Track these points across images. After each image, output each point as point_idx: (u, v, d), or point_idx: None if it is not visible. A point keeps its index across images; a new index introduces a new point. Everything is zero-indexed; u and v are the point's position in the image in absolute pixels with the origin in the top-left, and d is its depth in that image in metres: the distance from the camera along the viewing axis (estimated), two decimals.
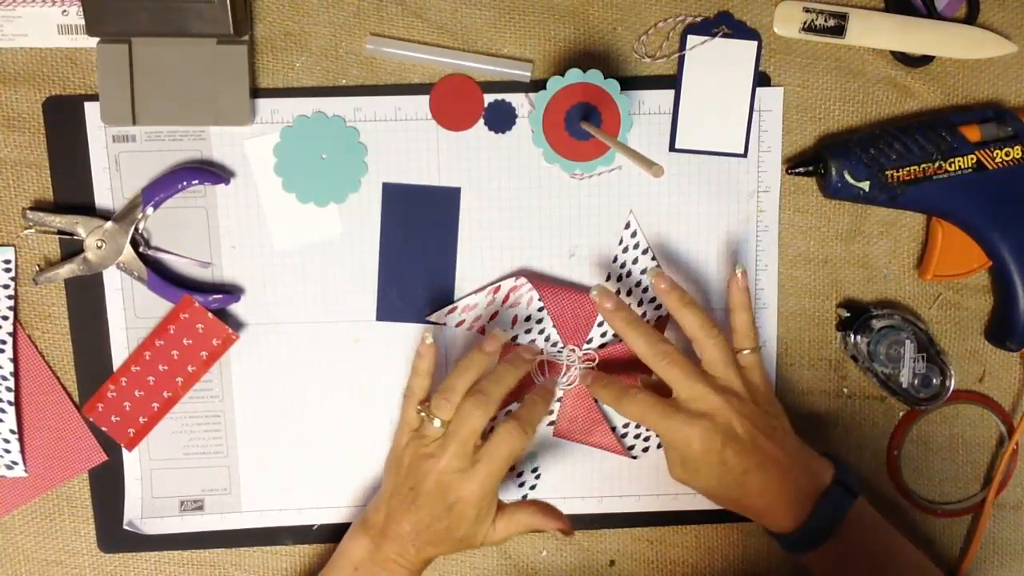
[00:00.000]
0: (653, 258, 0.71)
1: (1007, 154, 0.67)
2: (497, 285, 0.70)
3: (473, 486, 0.62)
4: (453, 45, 0.68)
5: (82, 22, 0.65)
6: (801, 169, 0.69)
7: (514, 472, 0.73)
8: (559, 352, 0.71)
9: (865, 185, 0.67)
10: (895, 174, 0.67)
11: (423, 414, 0.65)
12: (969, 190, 0.67)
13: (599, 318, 0.71)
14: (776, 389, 0.73)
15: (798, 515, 0.63)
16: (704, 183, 0.71)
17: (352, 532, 0.67)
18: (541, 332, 0.70)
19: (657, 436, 0.72)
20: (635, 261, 0.71)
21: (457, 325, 0.71)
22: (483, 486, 0.63)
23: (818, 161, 0.68)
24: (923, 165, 0.67)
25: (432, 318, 0.70)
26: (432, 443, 0.64)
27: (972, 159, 0.67)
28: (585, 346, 0.71)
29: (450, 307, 0.70)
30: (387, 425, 0.72)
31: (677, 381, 0.63)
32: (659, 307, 0.71)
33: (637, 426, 0.72)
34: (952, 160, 0.67)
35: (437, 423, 0.64)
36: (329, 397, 0.72)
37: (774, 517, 0.64)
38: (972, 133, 0.67)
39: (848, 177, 0.67)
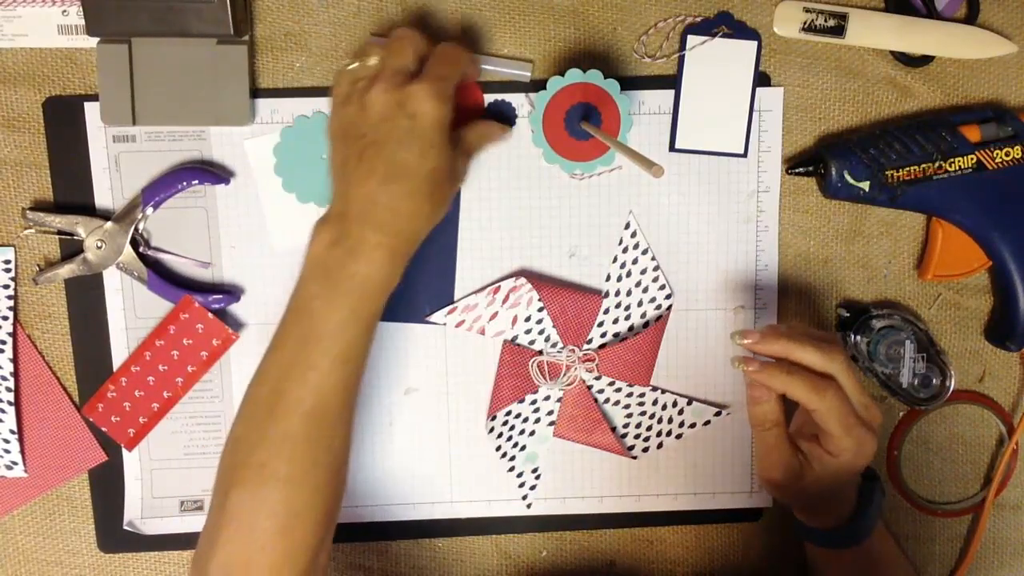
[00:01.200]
0: (653, 258, 0.71)
1: (1007, 154, 0.67)
2: (497, 285, 0.70)
3: (423, 94, 0.55)
4: None
5: (82, 22, 0.65)
6: (801, 169, 0.69)
7: (514, 472, 0.73)
8: (559, 352, 0.71)
9: (865, 185, 0.67)
10: (895, 174, 0.67)
11: (353, 65, 0.59)
12: (969, 190, 0.67)
13: (599, 318, 0.71)
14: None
15: (841, 511, 0.65)
16: (704, 183, 0.71)
17: (312, 236, 0.58)
18: (541, 332, 0.70)
19: (658, 437, 0.72)
20: (635, 261, 0.71)
21: (457, 325, 0.71)
22: (430, 93, 0.56)
23: (818, 161, 0.68)
24: (923, 165, 0.67)
25: (432, 318, 0.70)
26: (370, 77, 0.58)
27: (972, 159, 0.67)
28: (585, 346, 0.71)
29: (450, 307, 0.70)
30: (387, 425, 0.72)
31: (852, 387, 0.61)
32: (659, 307, 0.71)
33: (637, 426, 0.72)
34: (952, 160, 0.67)
35: (371, 61, 0.58)
36: None
37: (825, 514, 0.65)
38: (972, 133, 0.67)
39: (848, 177, 0.67)
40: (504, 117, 0.68)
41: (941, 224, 0.69)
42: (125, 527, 0.72)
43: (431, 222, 0.58)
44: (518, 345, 0.71)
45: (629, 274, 0.71)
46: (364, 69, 0.58)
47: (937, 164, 0.67)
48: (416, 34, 0.59)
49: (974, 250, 0.70)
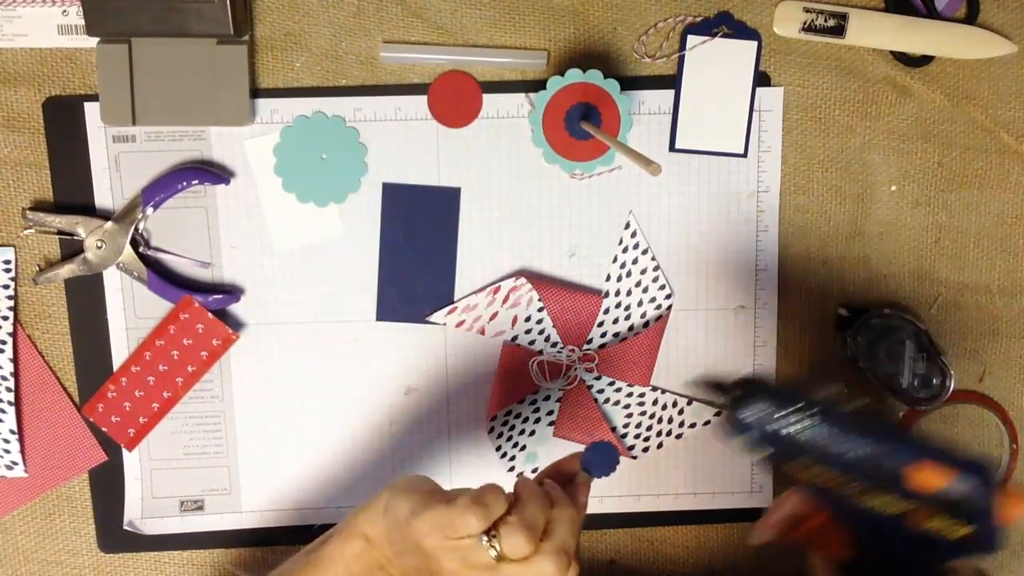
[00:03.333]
0: (653, 258, 0.71)
1: (946, 527, 0.51)
2: (497, 285, 0.70)
3: None
4: (453, 45, 0.68)
5: (82, 22, 0.65)
6: (704, 397, 0.58)
7: (514, 472, 0.73)
8: (559, 352, 0.71)
9: (757, 453, 0.54)
10: (803, 467, 0.53)
11: (486, 539, 0.51)
12: (880, 530, 0.53)
13: (599, 318, 0.71)
14: None
15: None
16: (704, 183, 0.71)
17: (349, 538, 0.56)
18: (541, 332, 0.70)
19: (658, 437, 0.72)
20: (635, 261, 0.71)
21: (457, 326, 0.71)
22: None
23: (732, 397, 0.55)
24: (839, 475, 0.52)
25: (432, 318, 0.70)
26: (476, 572, 0.52)
27: (900, 507, 0.51)
28: (585, 346, 0.71)
29: (450, 307, 0.70)
30: (387, 425, 0.72)
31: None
32: (659, 307, 0.71)
33: (637, 426, 0.72)
34: (876, 496, 0.52)
35: (494, 554, 0.51)
36: (329, 397, 0.72)
37: None
38: (925, 478, 0.50)
39: (745, 440, 0.54)
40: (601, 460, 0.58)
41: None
42: (125, 527, 0.72)
43: None
44: (518, 345, 0.71)
45: (629, 274, 0.71)
46: (483, 557, 0.52)
47: (856, 488, 0.51)
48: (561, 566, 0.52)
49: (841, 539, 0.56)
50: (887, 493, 0.51)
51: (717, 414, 0.73)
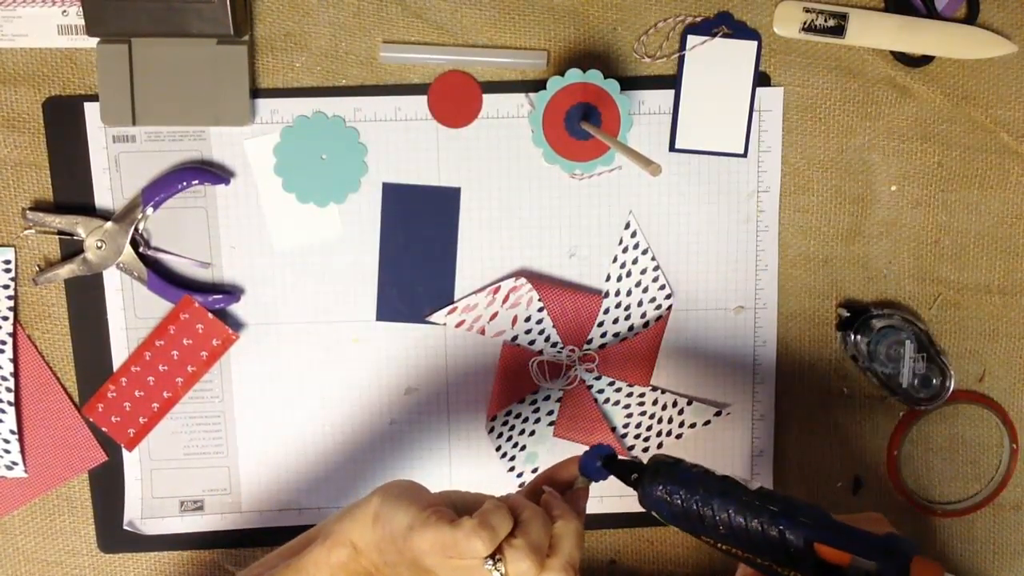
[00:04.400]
0: (653, 258, 0.71)
1: None
2: (497, 285, 0.70)
3: None
4: (453, 45, 0.68)
5: (82, 22, 0.65)
6: (615, 472, 0.56)
7: (514, 472, 0.73)
8: (559, 352, 0.71)
9: (671, 526, 0.54)
10: (712, 542, 0.53)
11: (491, 564, 0.50)
12: None
13: (599, 318, 0.71)
14: (776, 389, 0.73)
15: None
16: (704, 183, 0.71)
17: (335, 544, 0.54)
18: (541, 332, 0.70)
19: (658, 437, 0.73)
20: (635, 261, 0.71)
21: (457, 326, 0.71)
22: None
23: (633, 475, 0.55)
24: (749, 555, 0.53)
25: (432, 318, 0.70)
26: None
27: None
28: (585, 346, 0.71)
29: (450, 307, 0.70)
30: (387, 425, 0.72)
31: None
32: (659, 307, 0.71)
33: (637, 426, 0.72)
34: (790, 569, 0.51)
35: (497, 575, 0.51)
36: (329, 397, 0.72)
37: None
38: (833, 556, 0.50)
39: (656, 514, 0.54)
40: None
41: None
42: (125, 527, 0.72)
43: None
44: (518, 345, 0.71)
45: (629, 274, 0.71)
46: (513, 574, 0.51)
47: (766, 562, 0.52)
48: (541, 540, 0.51)
49: None
50: (794, 568, 0.51)
51: (717, 414, 0.73)
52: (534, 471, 0.73)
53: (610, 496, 0.74)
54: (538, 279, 0.70)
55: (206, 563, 0.73)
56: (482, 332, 0.71)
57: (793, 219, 0.72)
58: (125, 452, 0.71)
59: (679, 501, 0.53)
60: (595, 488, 0.72)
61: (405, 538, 0.51)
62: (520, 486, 0.73)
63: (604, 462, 0.56)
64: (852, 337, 0.70)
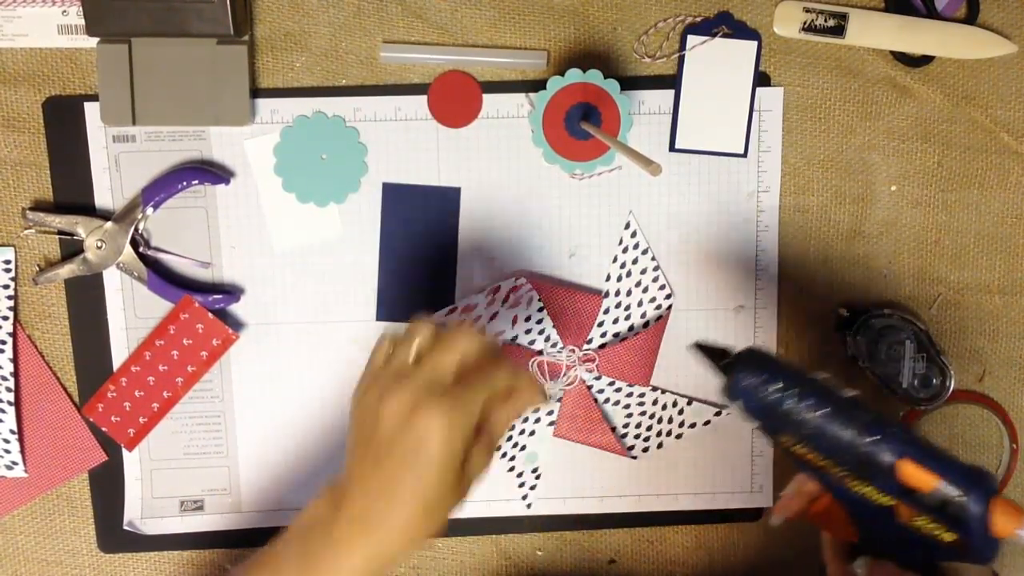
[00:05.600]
0: (653, 258, 0.71)
1: (933, 528, 0.50)
2: (497, 285, 0.70)
3: (437, 413, 0.50)
4: (453, 45, 0.68)
5: (82, 22, 0.65)
6: (704, 356, 0.55)
7: (514, 472, 0.73)
8: (559, 352, 0.71)
9: (751, 422, 0.53)
10: (789, 441, 0.52)
11: (389, 345, 0.55)
12: (868, 517, 0.53)
13: (599, 318, 0.71)
14: None
15: None
16: (704, 183, 0.71)
17: (317, 494, 0.55)
18: (541, 332, 0.70)
19: (658, 437, 0.72)
20: (635, 261, 0.71)
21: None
22: (450, 415, 0.50)
23: (727, 362, 0.54)
24: (827, 461, 0.51)
25: (432, 318, 0.70)
26: (399, 371, 0.53)
27: (888, 500, 0.50)
28: (585, 346, 0.71)
29: (449, 308, 0.70)
30: None
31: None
32: (659, 307, 0.71)
33: (637, 426, 0.72)
34: (863, 484, 0.51)
35: (413, 348, 0.53)
36: (329, 397, 0.72)
37: None
38: (914, 476, 0.49)
39: (739, 406, 0.53)
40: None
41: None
42: (125, 527, 0.72)
43: (421, 541, 0.52)
44: (518, 345, 0.71)
45: (629, 274, 0.71)
46: (401, 355, 0.54)
47: (843, 474, 0.51)
48: (468, 338, 0.53)
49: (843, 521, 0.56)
50: (869, 484, 0.50)
51: (717, 414, 0.73)
52: (534, 471, 0.73)
53: (610, 496, 0.74)
54: (538, 279, 0.70)
55: (206, 563, 0.73)
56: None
57: (793, 219, 0.72)
58: (125, 452, 0.71)
59: (771, 392, 0.51)
60: (595, 488, 0.72)
61: (361, 405, 0.54)
62: (520, 486, 0.73)
63: (695, 345, 0.54)
64: (852, 337, 0.70)
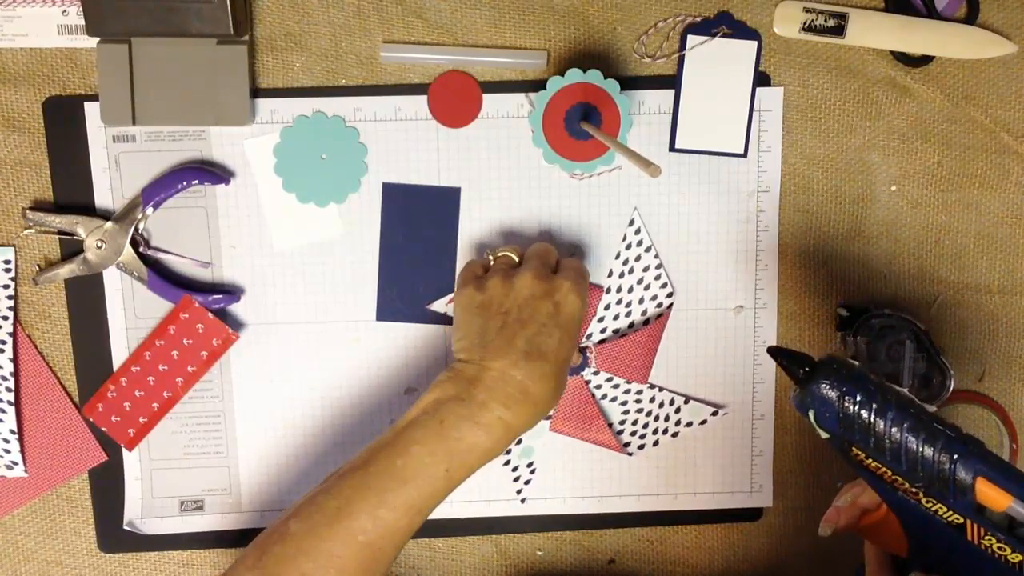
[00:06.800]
0: (656, 255, 0.71)
1: (1001, 548, 0.49)
2: None
3: (567, 283, 0.59)
4: (453, 45, 0.68)
5: (82, 22, 0.65)
6: (784, 361, 0.53)
7: (509, 466, 0.73)
8: None
9: (822, 433, 0.52)
10: (860, 455, 0.51)
11: (490, 257, 0.65)
12: (933, 534, 0.52)
13: (599, 313, 0.71)
14: (775, 390, 0.73)
15: None
16: (704, 183, 0.71)
17: (437, 384, 0.58)
18: None
19: (655, 435, 0.73)
20: (638, 258, 0.71)
21: None
22: (577, 287, 0.60)
23: (804, 368, 0.53)
24: (898, 477, 0.50)
25: (433, 307, 0.70)
26: (512, 270, 0.61)
27: (958, 520, 0.50)
28: (584, 340, 0.71)
29: (450, 296, 0.70)
30: (387, 425, 0.72)
31: None
32: (659, 304, 0.71)
33: (634, 423, 0.72)
34: (936, 502, 0.50)
35: (506, 253, 0.64)
36: (329, 397, 0.72)
37: None
38: (990, 497, 0.48)
39: (812, 416, 0.52)
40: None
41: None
42: (125, 527, 0.72)
43: (550, 407, 0.59)
44: None
45: (631, 270, 0.71)
46: (505, 259, 0.64)
47: (916, 489, 0.50)
48: (553, 249, 0.64)
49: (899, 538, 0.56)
50: (942, 501, 0.50)
51: (714, 414, 0.73)
52: (529, 465, 0.73)
53: (610, 496, 0.74)
54: None
55: (206, 563, 0.73)
56: None
57: (793, 219, 0.72)
58: (125, 452, 0.71)
59: (850, 404, 0.50)
60: (595, 488, 0.72)
61: (469, 308, 0.61)
62: (515, 480, 0.73)
63: (771, 349, 0.53)
64: (852, 337, 0.70)
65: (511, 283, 0.60)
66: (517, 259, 0.64)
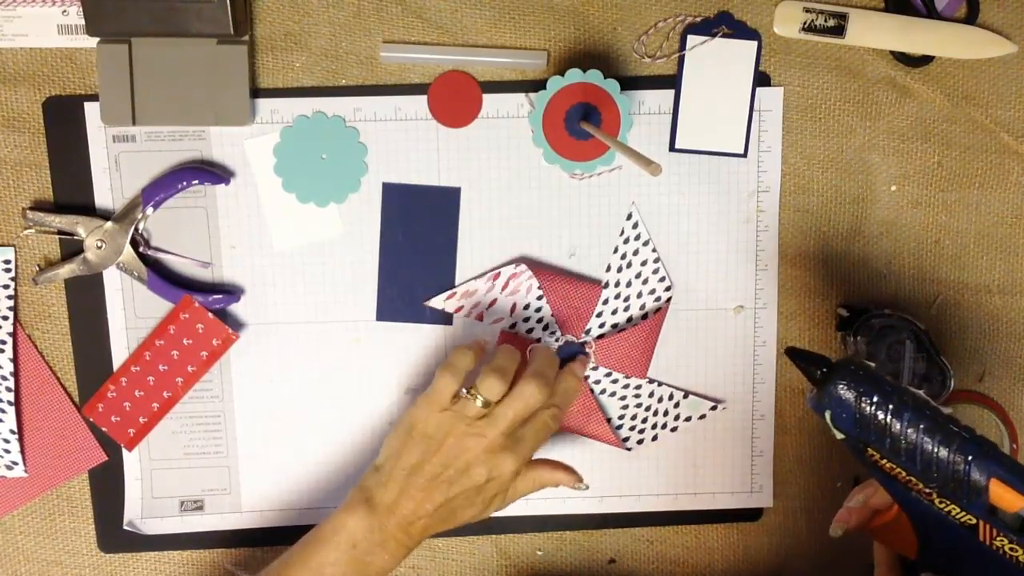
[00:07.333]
0: (654, 250, 0.71)
1: (1013, 549, 0.50)
2: (497, 271, 0.70)
3: (513, 467, 0.62)
4: (453, 45, 0.68)
5: (82, 22, 0.65)
6: (801, 362, 0.54)
7: None
8: (557, 341, 0.71)
9: (838, 434, 0.52)
10: (875, 456, 0.52)
11: (465, 392, 0.62)
12: (944, 534, 0.52)
13: (598, 308, 0.71)
14: (775, 390, 0.73)
15: None
16: (704, 183, 0.71)
17: (352, 507, 0.62)
18: (540, 321, 0.70)
19: (653, 430, 0.73)
20: (636, 252, 0.71)
21: (455, 311, 0.71)
22: (519, 466, 0.62)
23: (822, 369, 0.53)
24: (913, 478, 0.51)
25: (431, 303, 0.70)
26: (476, 422, 0.61)
27: (971, 520, 0.50)
28: (583, 336, 0.71)
29: (449, 292, 0.70)
30: (387, 425, 0.72)
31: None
32: (658, 299, 0.71)
33: (633, 417, 0.72)
34: (950, 503, 0.50)
35: (480, 402, 0.61)
36: (329, 397, 0.72)
37: None
38: (1003, 497, 0.48)
39: (828, 417, 0.52)
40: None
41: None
42: (125, 527, 0.72)
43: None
44: (516, 333, 0.71)
45: (630, 265, 0.71)
46: (471, 406, 0.62)
47: (930, 490, 0.50)
48: (533, 392, 0.62)
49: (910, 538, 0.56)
50: (956, 502, 0.50)
51: (713, 408, 0.73)
52: None
53: (610, 496, 0.74)
54: (538, 267, 0.70)
55: (206, 563, 0.73)
56: (480, 318, 0.71)
57: (793, 219, 0.72)
58: (125, 452, 0.71)
59: (867, 405, 0.50)
60: (595, 488, 0.72)
61: (410, 428, 0.62)
62: None
63: (789, 350, 0.54)
64: (852, 337, 0.70)
65: (465, 444, 0.61)
66: (500, 388, 0.62)
